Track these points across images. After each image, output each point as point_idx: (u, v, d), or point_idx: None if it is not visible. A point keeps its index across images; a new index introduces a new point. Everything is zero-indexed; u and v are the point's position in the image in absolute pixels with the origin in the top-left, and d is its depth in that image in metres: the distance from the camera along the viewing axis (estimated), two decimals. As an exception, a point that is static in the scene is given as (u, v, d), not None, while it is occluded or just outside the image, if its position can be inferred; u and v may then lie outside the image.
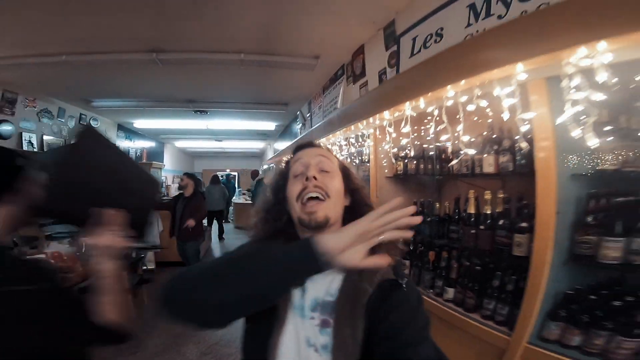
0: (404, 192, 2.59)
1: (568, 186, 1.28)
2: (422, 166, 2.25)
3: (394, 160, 2.48)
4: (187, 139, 10.78)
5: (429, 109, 1.78)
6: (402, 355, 0.57)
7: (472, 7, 2.13)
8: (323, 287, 0.69)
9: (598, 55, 1.01)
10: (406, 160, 2.37)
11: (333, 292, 0.68)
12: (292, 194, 0.74)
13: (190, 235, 4.33)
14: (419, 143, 2.23)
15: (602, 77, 1.02)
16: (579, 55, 1.05)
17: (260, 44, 3.68)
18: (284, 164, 0.87)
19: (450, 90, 1.56)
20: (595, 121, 1.11)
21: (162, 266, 5.35)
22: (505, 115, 1.40)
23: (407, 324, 0.61)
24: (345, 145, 3.44)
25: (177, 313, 0.61)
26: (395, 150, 2.42)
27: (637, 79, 1.11)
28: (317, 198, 0.71)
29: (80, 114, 6.45)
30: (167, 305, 0.61)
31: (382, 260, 0.56)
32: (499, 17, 1.93)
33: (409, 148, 2.20)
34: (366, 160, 2.91)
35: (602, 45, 0.98)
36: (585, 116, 1.14)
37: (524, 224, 1.43)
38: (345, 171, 0.83)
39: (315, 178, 0.72)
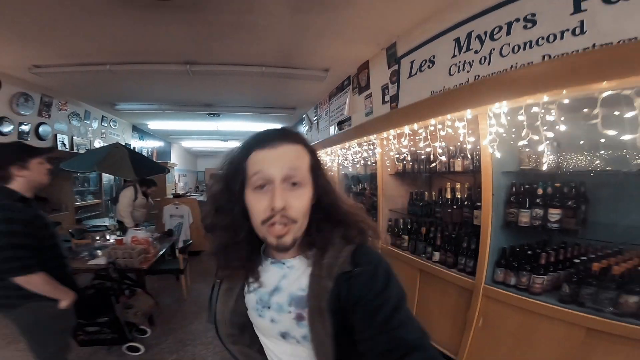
0: (402, 185, 3.39)
1: (500, 179, 2.09)
2: (415, 166, 3.03)
3: (396, 162, 3.31)
4: (194, 139, 11.47)
5: (420, 130, 2.69)
6: (384, 345, 0.57)
7: (457, 40, 2.83)
8: (296, 282, 0.70)
9: (503, 107, 1.86)
10: (404, 162, 3.14)
11: (304, 287, 0.69)
12: (257, 215, 0.66)
13: None
14: (413, 150, 3.03)
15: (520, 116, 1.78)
16: (497, 106, 1.85)
17: (279, 59, 4.34)
18: (235, 156, 0.72)
19: (432, 120, 2.50)
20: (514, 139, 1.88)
21: (193, 255, 5.62)
22: (462, 134, 2.22)
23: (374, 314, 0.58)
24: (359, 149, 4.20)
25: None
26: (396, 154, 3.26)
27: (519, 118, 1.86)
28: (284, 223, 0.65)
29: (102, 116, 7.12)
30: None
31: None
32: (475, 52, 2.65)
33: (406, 153, 2.98)
34: (374, 162, 3.70)
35: (503, 103, 1.82)
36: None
37: (478, 204, 2.17)
38: (315, 172, 0.72)
39: (283, 209, 0.63)
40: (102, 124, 7.14)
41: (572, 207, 1.86)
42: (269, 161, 0.65)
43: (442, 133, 2.45)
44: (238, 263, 0.74)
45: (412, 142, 2.89)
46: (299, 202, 0.66)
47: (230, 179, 0.70)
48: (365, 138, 3.56)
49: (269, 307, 0.72)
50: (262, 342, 0.78)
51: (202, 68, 4.47)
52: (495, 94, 1.88)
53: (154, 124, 8.48)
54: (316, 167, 0.72)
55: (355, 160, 4.52)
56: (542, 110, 1.75)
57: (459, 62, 2.80)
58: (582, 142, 1.93)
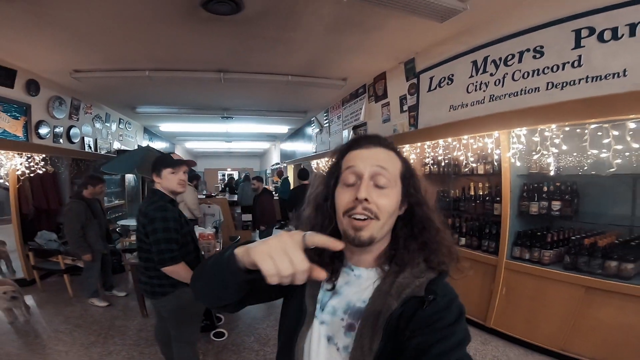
0: (430, 186, 4.07)
1: (516, 180, 2.78)
2: (441, 170, 3.68)
3: (421, 166, 4.01)
4: (199, 140, 11.89)
5: (454, 142, 3.49)
6: None
7: (474, 63, 3.44)
8: (357, 292, 0.70)
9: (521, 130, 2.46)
10: (431, 166, 3.79)
11: (365, 300, 0.68)
12: (340, 206, 0.69)
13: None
14: (440, 157, 3.72)
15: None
16: (517, 130, 2.48)
17: (304, 69, 4.86)
18: (334, 159, 0.78)
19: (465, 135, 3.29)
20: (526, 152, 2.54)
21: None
22: (489, 147, 2.85)
23: (435, 343, 0.57)
24: None
25: (196, 296, 0.71)
26: (426, 159, 3.96)
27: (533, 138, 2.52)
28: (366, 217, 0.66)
29: (119, 119, 7.51)
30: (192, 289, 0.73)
31: (319, 274, 0.54)
32: (491, 74, 3.27)
33: (434, 159, 3.65)
34: None
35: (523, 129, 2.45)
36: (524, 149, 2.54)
37: (497, 199, 2.84)
38: (406, 179, 0.74)
39: (366, 200, 0.65)
40: (119, 126, 7.51)
41: (568, 200, 2.62)
42: (361, 158, 0.70)
43: (473, 145, 3.26)
44: (321, 260, 0.71)
45: (445, 150, 3.63)
46: (384, 200, 0.67)
47: (328, 175, 0.76)
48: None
49: (322, 310, 0.72)
50: (302, 334, 0.72)
51: (234, 76, 4.94)
52: (518, 121, 2.70)
53: (165, 126, 8.87)
54: (408, 175, 0.74)
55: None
56: (550, 133, 2.44)
57: (476, 82, 3.41)
58: (575, 153, 2.63)
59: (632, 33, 2.30)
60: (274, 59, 4.46)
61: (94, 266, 3.73)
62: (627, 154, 2.26)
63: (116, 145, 7.20)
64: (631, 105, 2.08)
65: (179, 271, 1.83)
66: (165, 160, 1.99)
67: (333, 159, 0.79)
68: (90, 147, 6.25)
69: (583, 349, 2.36)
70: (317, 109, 7.55)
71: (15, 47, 3.85)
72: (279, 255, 0.50)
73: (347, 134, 6.35)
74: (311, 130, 8.82)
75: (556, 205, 2.60)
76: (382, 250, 0.73)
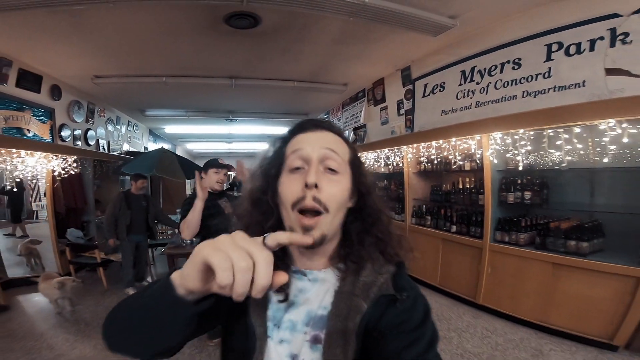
0: (422, 181, 4.60)
1: (495, 174, 3.33)
2: (433, 167, 4.22)
3: (417, 164, 4.53)
4: (200, 141, 12.35)
5: (444, 144, 3.97)
6: None
7: (463, 72, 3.96)
8: (317, 299, 0.64)
9: (497, 133, 2.97)
10: (425, 164, 4.32)
11: (326, 305, 0.62)
12: (287, 197, 0.61)
13: None
14: (433, 155, 4.21)
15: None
16: (495, 133, 3.01)
17: (308, 76, 5.35)
18: (276, 143, 0.71)
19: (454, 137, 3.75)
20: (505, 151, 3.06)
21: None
22: (473, 148, 3.39)
23: (405, 349, 0.55)
24: (390, 153, 5.26)
25: (113, 348, 0.55)
26: (421, 158, 4.46)
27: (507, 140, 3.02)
28: (314, 211, 0.59)
29: (128, 121, 7.95)
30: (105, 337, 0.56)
31: (280, 278, 0.44)
32: (477, 83, 3.80)
33: (428, 158, 4.18)
34: (397, 163, 4.92)
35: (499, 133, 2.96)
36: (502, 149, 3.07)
37: (481, 191, 3.38)
38: (355, 167, 0.69)
39: (316, 186, 0.59)
40: (128, 128, 7.95)
41: (537, 190, 3.19)
42: (308, 141, 0.64)
43: (460, 146, 3.82)
44: None
45: (437, 150, 4.16)
46: (334, 188, 0.61)
47: (268, 165, 0.69)
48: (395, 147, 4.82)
49: (278, 327, 0.63)
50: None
51: (244, 82, 5.43)
52: (495, 127, 3.24)
53: (170, 128, 9.31)
54: (356, 163, 0.69)
55: (379, 161, 5.59)
56: (521, 135, 2.98)
57: (464, 89, 3.94)
58: (541, 152, 3.15)
59: (592, 48, 2.81)
60: (282, 66, 4.94)
61: (126, 257, 4.19)
62: (582, 152, 2.80)
63: (125, 147, 7.63)
64: (584, 113, 2.62)
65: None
66: (209, 163, 2.61)
67: (274, 146, 0.71)
68: (105, 149, 6.68)
69: (557, 320, 2.84)
70: (318, 111, 8.04)
71: (43, 54, 4.23)
72: (233, 247, 0.41)
73: (347, 135, 6.83)
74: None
75: (527, 195, 3.17)
76: (334, 248, 0.67)
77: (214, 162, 2.58)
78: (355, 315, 0.58)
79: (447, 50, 4.12)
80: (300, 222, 0.60)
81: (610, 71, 2.67)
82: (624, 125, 2.40)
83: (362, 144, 5.87)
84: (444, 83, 4.22)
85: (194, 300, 0.47)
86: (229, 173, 2.85)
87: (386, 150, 5.19)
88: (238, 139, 11.75)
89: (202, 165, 2.72)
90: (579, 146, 2.78)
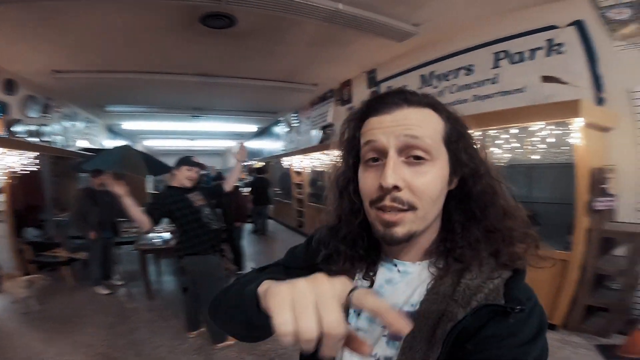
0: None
1: None
2: None
3: None
4: (161, 138, 12.06)
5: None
6: None
7: (422, 76, 4.43)
8: (405, 294, 0.57)
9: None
10: None
11: (414, 303, 0.55)
12: (365, 194, 0.55)
13: None
14: None
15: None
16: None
17: (280, 76, 5.59)
18: (350, 125, 0.61)
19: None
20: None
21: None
22: None
23: None
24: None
25: (223, 329, 0.63)
26: None
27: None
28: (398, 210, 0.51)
29: (86, 117, 7.65)
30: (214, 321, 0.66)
31: (362, 348, 0.38)
32: (434, 87, 4.26)
33: None
34: None
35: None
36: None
37: None
38: (454, 143, 0.55)
39: (396, 187, 0.50)
40: (87, 124, 7.67)
41: None
42: (382, 128, 0.53)
43: None
44: (355, 254, 0.61)
45: None
46: (422, 181, 0.51)
47: (346, 152, 0.61)
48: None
49: (359, 314, 0.59)
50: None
51: (214, 80, 5.53)
52: None
53: (129, 124, 9.07)
54: (456, 138, 0.56)
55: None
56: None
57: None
58: (486, 151, 3.61)
59: (532, 57, 3.31)
60: (256, 66, 5.12)
61: (94, 255, 4.17)
62: (521, 150, 3.17)
63: (82, 144, 7.35)
64: (520, 116, 2.96)
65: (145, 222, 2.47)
66: (181, 161, 2.78)
67: (348, 128, 0.62)
68: (60, 145, 6.42)
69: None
70: (287, 110, 8.28)
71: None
72: (305, 307, 0.35)
73: (315, 133, 7.15)
74: (279, 129, 9.50)
75: None
76: (431, 240, 0.58)
77: (187, 160, 2.76)
78: (447, 322, 0.49)
79: (410, 56, 4.54)
80: (380, 218, 0.52)
81: (545, 78, 3.18)
82: (551, 127, 2.84)
83: (330, 142, 6.19)
84: (406, 86, 4.60)
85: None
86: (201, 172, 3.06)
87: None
88: (202, 136, 11.66)
89: (172, 164, 2.94)
90: (517, 145, 3.19)
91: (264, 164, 10.12)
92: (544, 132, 2.84)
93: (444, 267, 0.55)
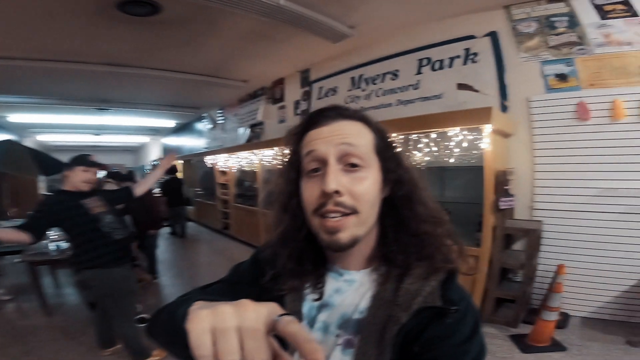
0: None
1: None
2: None
3: None
4: (59, 132, 10.47)
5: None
6: None
7: (352, 79, 4.54)
8: (353, 301, 0.60)
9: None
10: None
11: (362, 310, 0.58)
12: (308, 204, 0.57)
13: None
14: None
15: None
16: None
17: (207, 70, 5.27)
18: (291, 140, 0.64)
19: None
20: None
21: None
22: None
23: None
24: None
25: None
26: None
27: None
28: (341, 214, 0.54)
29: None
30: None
31: None
32: (363, 90, 4.41)
33: None
34: None
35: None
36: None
37: None
38: (383, 152, 0.61)
39: (337, 192, 0.53)
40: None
41: None
42: (321, 138, 0.57)
43: None
44: (302, 269, 0.63)
45: None
46: (361, 186, 0.55)
47: (287, 167, 0.64)
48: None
49: (311, 326, 0.61)
50: None
51: (126, 70, 4.97)
52: None
53: (16, 117, 7.71)
54: (385, 148, 0.61)
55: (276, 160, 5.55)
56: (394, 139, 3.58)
57: (352, 95, 4.53)
58: (407, 154, 3.83)
59: (450, 65, 3.59)
60: (177, 58, 4.73)
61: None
62: (436, 154, 3.42)
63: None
64: (438, 121, 3.16)
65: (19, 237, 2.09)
66: (80, 159, 2.35)
67: (290, 144, 0.65)
68: None
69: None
70: (212, 106, 7.86)
71: None
72: (225, 331, 0.32)
73: (243, 131, 6.92)
74: (202, 125, 8.99)
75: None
76: (372, 247, 0.62)
77: (82, 159, 2.33)
78: (392, 326, 0.53)
79: (342, 58, 4.64)
80: (324, 226, 0.55)
81: (460, 86, 3.50)
82: (465, 132, 3.09)
83: (259, 141, 6.04)
84: (337, 87, 4.76)
85: None
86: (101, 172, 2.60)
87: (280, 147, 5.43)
88: (110, 130, 10.47)
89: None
90: (434, 149, 3.42)
91: (174, 163, 9.46)
92: (458, 137, 3.08)
93: (385, 273, 0.59)
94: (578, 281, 2.93)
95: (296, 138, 0.63)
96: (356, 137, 0.58)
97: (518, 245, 3.25)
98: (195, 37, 4.05)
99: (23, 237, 2.02)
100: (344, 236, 0.54)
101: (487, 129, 2.73)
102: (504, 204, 2.76)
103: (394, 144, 0.65)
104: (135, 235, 4.05)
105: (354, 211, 0.54)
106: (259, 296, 0.50)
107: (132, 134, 11.79)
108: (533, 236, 2.80)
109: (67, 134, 10.70)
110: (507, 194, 2.80)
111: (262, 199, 5.82)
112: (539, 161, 3.11)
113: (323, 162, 0.56)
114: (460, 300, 0.54)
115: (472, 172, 3.31)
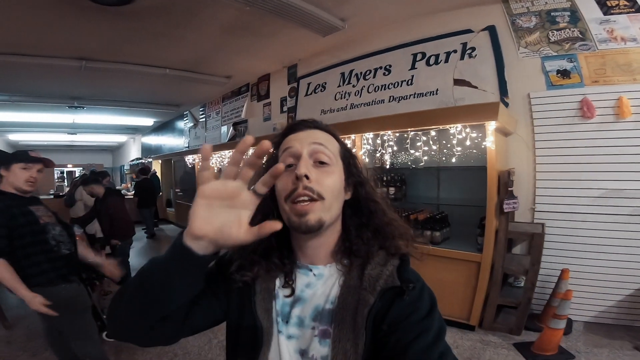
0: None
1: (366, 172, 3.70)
2: None
3: None
4: (29, 132, 9.93)
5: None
6: None
7: (342, 74, 4.34)
8: (324, 294, 0.67)
9: (369, 134, 3.36)
10: None
11: (333, 300, 0.65)
12: (281, 191, 0.64)
13: None
14: None
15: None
16: (366, 134, 3.38)
17: (187, 65, 5.01)
18: (271, 150, 0.65)
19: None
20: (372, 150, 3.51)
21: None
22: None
23: (414, 340, 0.56)
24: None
25: (115, 333, 0.61)
26: None
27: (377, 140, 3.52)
28: (309, 199, 0.61)
29: None
30: (109, 327, 0.62)
31: (273, 226, 0.49)
32: (353, 85, 4.22)
33: None
34: None
35: (370, 133, 3.32)
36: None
37: None
38: (347, 159, 0.72)
39: (307, 177, 0.61)
40: None
41: (399, 186, 3.64)
42: (297, 139, 0.68)
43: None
44: (269, 262, 0.69)
45: None
46: (327, 179, 0.64)
47: (264, 168, 0.70)
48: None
49: (287, 322, 0.67)
50: (263, 357, 0.66)
51: (99, 65, 4.68)
52: (367, 128, 3.39)
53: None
54: (347, 155, 0.73)
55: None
56: (388, 137, 3.38)
57: (342, 91, 4.33)
58: (402, 153, 3.60)
59: (447, 60, 3.44)
60: (154, 52, 4.47)
61: None
62: (432, 153, 3.24)
63: None
64: (432, 119, 2.97)
65: None
66: (18, 155, 1.99)
67: (270, 151, 0.69)
68: None
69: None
70: (193, 103, 7.56)
71: None
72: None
73: (226, 130, 6.65)
74: (183, 124, 8.65)
75: (392, 190, 3.63)
76: (335, 242, 0.70)
77: (21, 155, 1.97)
78: (363, 308, 0.60)
79: (332, 52, 4.45)
80: (294, 209, 0.62)
81: (457, 81, 3.35)
82: (467, 130, 2.89)
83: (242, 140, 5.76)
84: (326, 83, 4.55)
85: (200, 252, 0.51)
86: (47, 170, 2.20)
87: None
88: (86, 129, 10.00)
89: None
90: (434, 147, 3.23)
91: (146, 164, 9.37)
92: (458, 136, 2.89)
93: (349, 264, 0.68)
94: (580, 285, 2.82)
95: (276, 144, 0.73)
96: (326, 141, 0.69)
97: (517, 249, 3.14)
98: (172, 29, 3.78)
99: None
100: (311, 218, 0.61)
101: (491, 126, 2.58)
102: (508, 206, 2.62)
103: (355, 156, 0.77)
104: (104, 243, 3.87)
105: (320, 197, 0.62)
106: (227, 291, 0.69)
107: (110, 133, 11.33)
108: (538, 240, 2.66)
109: (40, 132, 10.18)
110: (511, 195, 2.66)
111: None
112: (540, 161, 2.99)
113: (297, 157, 0.65)
114: (416, 280, 0.63)
115: (471, 172, 3.19)
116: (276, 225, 0.49)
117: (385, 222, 0.71)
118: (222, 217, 0.50)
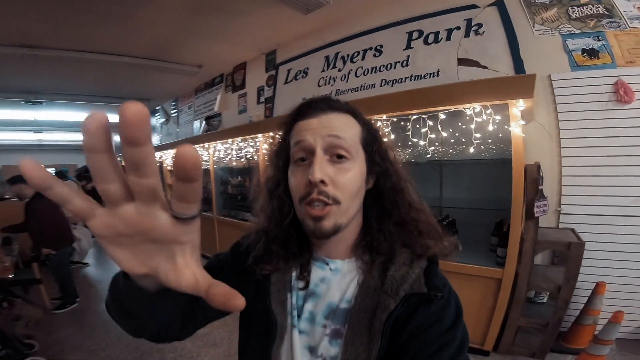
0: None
1: None
2: None
3: None
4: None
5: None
6: None
7: (327, 58, 3.79)
8: (339, 291, 0.62)
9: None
10: None
11: (349, 299, 0.60)
12: (294, 192, 0.60)
13: None
14: None
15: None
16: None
17: (150, 52, 4.38)
18: (281, 129, 0.67)
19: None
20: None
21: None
22: None
23: (435, 353, 0.52)
24: (244, 143, 4.44)
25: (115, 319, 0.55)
26: None
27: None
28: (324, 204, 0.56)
29: None
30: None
31: (232, 302, 0.30)
32: (339, 70, 3.66)
33: None
34: (256, 156, 4.27)
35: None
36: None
37: None
38: (369, 146, 0.63)
39: (322, 182, 0.56)
40: None
41: None
42: (309, 129, 0.60)
43: None
44: (287, 252, 0.65)
45: None
46: (344, 178, 0.58)
47: (276, 155, 0.67)
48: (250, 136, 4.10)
49: (299, 316, 0.63)
50: (276, 350, 0.62)
51: (46, 53, 4.02)
52: None
53: None
54: (371, 141, 0.64)
55: (233, 154, 4.62)
56: (382, 122, 2.80)
57: (327, 76, 3.78)
58: (399, 143, 2.95)
59: (448, 38, 2.93)
60: (110, 37, 3.87)
61: None
62: (437, 144, 2.69)
63: None
64: (441, 97, 2.37)
65: None
66: None
67: (278, 136, 0.68)
68: None
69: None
70: (164, 97, 6.92)
71: None
72: None
73: (199, 125, 6.04)
74: (155, 120, 7.98)
75: None
76: (355, 236, 0.65)
77: None
78: (382, 313, 0.56)
79: (315, 34, 3.91)
80: (309, 213, 0.58)
81: (462, 61, 2.84)
82: (488, 111, 2.26)
83: (213, 133, 5.13)
84: (307, 69, 4.00)
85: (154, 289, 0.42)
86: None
87: (239, 140, 4.36)
88: (51, 127, 9.21)
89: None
90: (435, 136, 2.60)
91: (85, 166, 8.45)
92: (476, 119, 2.30)
93: (369, 261, 0.62)
94: (614, 298, 2.35)
95: (286, 128, 0.66)
96: (344, 129, 0.60)
97: (537, 259, 2.62)
98: (123, 9, 3.22)
99: None
100: (327, 224, 0.57)
101: (519, 106, 2.06)
102: (539, 209, 2.10)
103: (381, 137, 0.67)
104: (34, 255, 3.37)
105: (335, 201, 0.57)
106: (240, 281, 0.56)
107: (78, 131, 10.44)
108: (577, 250, 2.13)
109: (1, 131, 9.31)
110: (542, 195, 2.15)
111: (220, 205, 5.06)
112: (566, 153, 2.49)
113: (310, 153, 0.59)
114: (444, 286, 0.58)
115: (482, 167, 2.71)
116: (238, 304, 0.30)
117: (410, 214, 0.64)
118: (153, 254, 0.32)
